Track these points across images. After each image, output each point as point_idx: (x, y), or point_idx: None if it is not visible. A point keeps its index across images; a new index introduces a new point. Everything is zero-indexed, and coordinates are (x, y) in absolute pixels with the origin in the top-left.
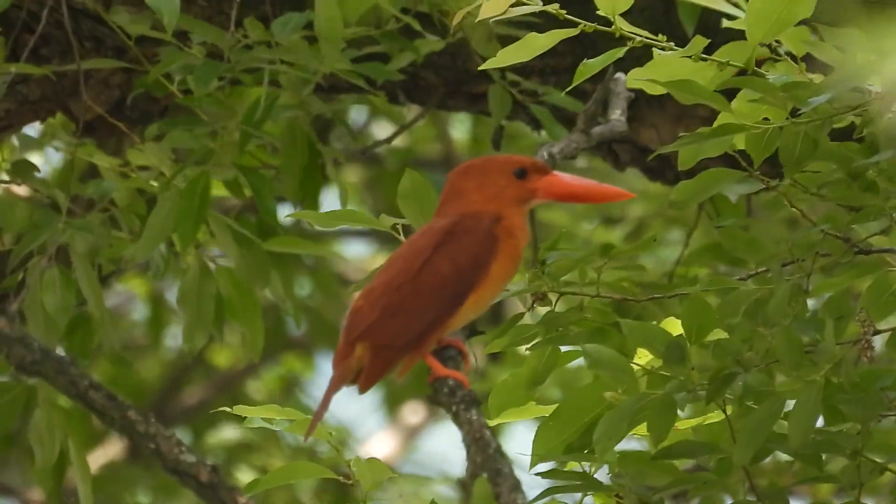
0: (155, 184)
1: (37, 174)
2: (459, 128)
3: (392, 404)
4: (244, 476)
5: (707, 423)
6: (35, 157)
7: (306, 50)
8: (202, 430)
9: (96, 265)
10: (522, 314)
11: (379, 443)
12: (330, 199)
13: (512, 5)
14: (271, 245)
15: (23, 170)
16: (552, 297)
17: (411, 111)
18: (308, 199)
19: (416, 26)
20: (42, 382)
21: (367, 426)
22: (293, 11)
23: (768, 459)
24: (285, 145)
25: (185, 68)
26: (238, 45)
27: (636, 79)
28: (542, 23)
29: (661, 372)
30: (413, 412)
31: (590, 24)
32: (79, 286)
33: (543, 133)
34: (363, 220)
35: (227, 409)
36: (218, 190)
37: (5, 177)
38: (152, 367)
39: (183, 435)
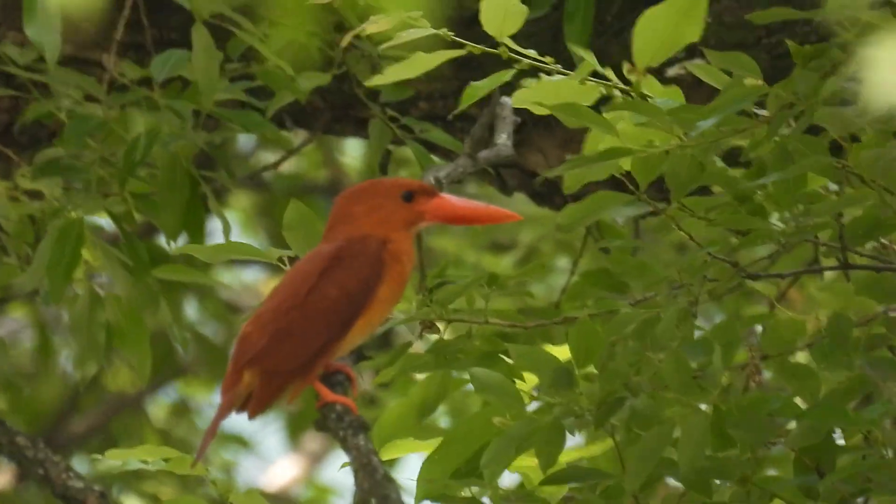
0: (53, 203)
1: None
2: (350, 153)
3: (294, 430)
4: None
5: (593, 453)
6: None
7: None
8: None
9: None
10: (411, 343)
11: (282, 469)
12: (218, 228)
13: (399, 29)
14: (160, 272)
15: None
16: (440, 324)
17: (298, 136)
18: (192, 232)
19: (289, 71)
20: None
21: (271, 453)
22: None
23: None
24: (165, 181)
25: (70, 97)
26: (115, 85)
27: (522, 100)
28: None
29: (548, 399)
30: (315, 438)
31: (476, 45)
32: None
33: (432, 157)
34: (249, 252)
35: (98, 457)
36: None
37: None
38: (47, 393)
39: (78, 461)
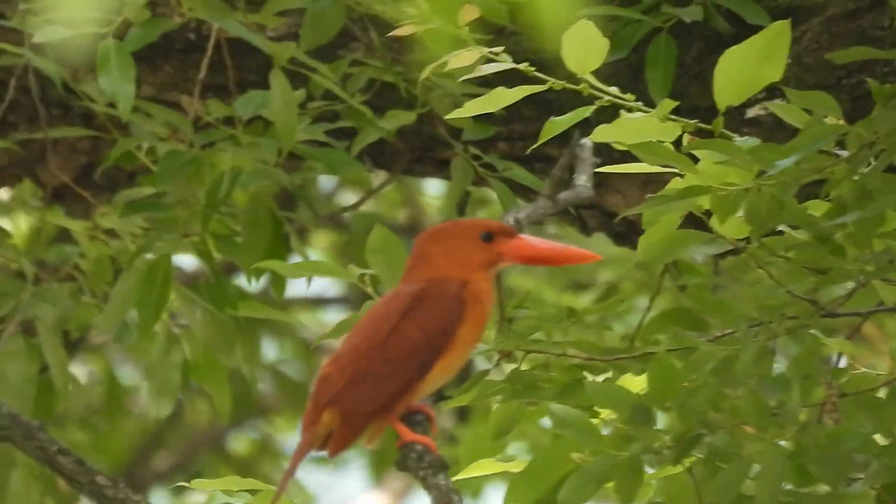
0: (129, 245)
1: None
2: (429, 192)
3: (377, 467)
4: None
5: (672, 475)
6: (4, 223)
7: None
8: (178, 493)
9: (61, 332)
10: (488, 371)
11: None
12: None
13: (481, 64)
14: (241, 310)
15: None
16: (518, 354)
17: (378, 177)
18: (273, 272)
19: (368, 113)
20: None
21: (354, 489)
22: (258, 70)
23: None
24: (248, 221)
25: (152, 137)
26: (199, 123)
27: (602, 135)
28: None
29: (625, 430)
30: (399, 475)
31: (558, 81)
32: (43, 355)
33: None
34: (329, 270)
35: (185, 485)
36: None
37: None
38: (127, 431)
39: (159, 498)
